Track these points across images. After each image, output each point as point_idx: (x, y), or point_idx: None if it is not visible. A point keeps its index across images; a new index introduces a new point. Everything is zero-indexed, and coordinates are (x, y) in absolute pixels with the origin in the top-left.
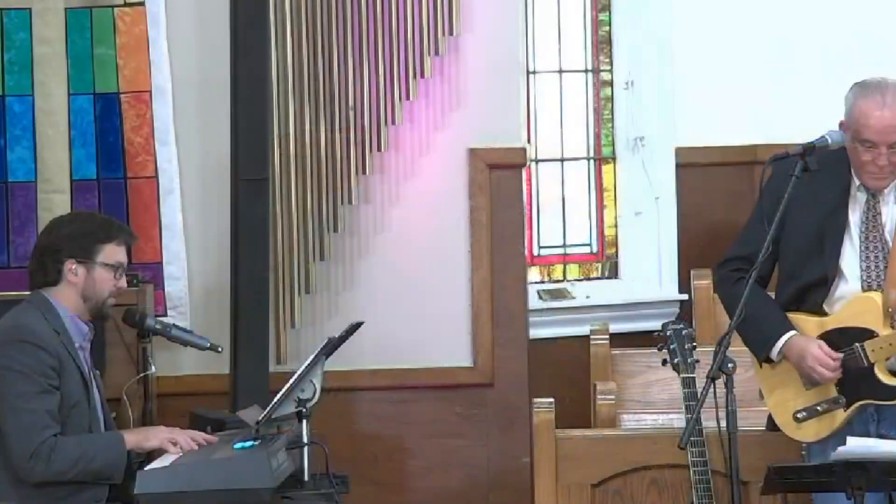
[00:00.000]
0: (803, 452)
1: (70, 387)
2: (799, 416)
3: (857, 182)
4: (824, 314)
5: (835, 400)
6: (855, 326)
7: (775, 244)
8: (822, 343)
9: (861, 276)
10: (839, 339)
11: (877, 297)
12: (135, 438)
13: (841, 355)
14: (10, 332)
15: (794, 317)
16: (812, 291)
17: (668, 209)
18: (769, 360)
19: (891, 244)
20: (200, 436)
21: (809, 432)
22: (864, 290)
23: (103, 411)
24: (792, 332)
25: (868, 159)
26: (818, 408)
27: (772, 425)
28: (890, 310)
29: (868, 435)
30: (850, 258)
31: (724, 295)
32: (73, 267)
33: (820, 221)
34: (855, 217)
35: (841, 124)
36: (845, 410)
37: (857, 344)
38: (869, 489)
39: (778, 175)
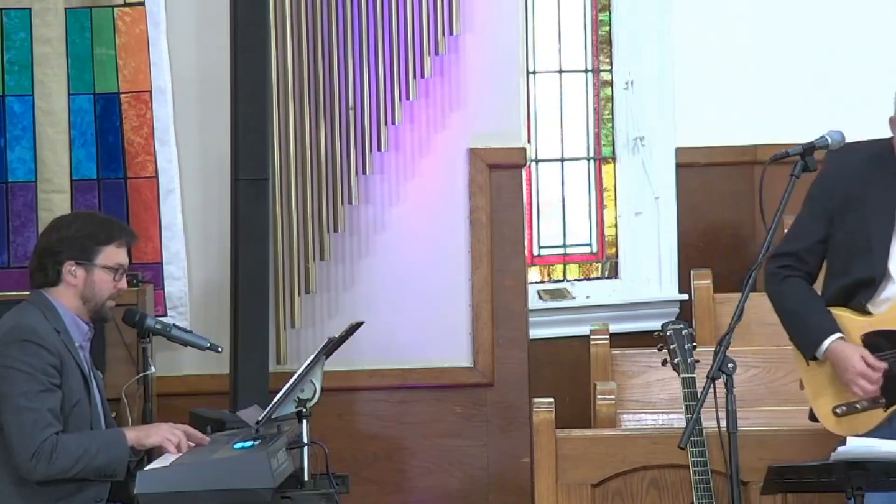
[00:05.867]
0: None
1: (71, 386)
2: (838, 410)
3: None
4: (869, 314)
5: (875, 400)
6: None
7: (823, 242)
8: (867, 354)
9: None
10: (883, 340)
11: None
12: (135, 435)
13: (885, 365)
14: (12, 331)
15: (840, 314)
16: (858, 291)
17: (668, 209)
18: (814, 358)
19: None
20: (196, 435)
21: (847, 427)
22: None
23: (104, 410)
24: (836, 336)
25: None
26: (858, 405)
27: (813, 415)
28: None
29: None
30: None
31: (770, 292)
32: (73, 269)
33: (869, 221)
34: None
35: (890, 120)
36: (885, 411)
37: None
38: (869, 489)
39: (832, 169)
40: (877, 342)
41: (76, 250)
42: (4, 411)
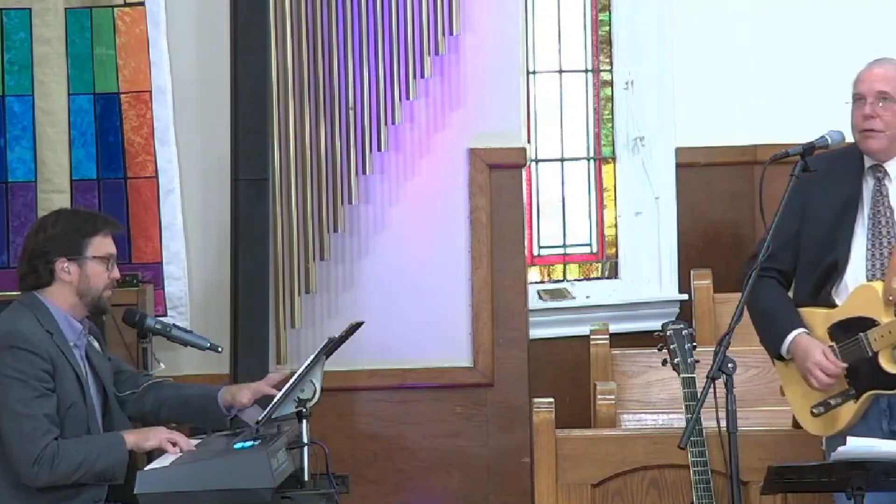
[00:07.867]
0: (823, 448)
1: (65, 388)
2: (815, 410)
3: (866, 166)
4: (835, 306)
5: (846, 392)
6: (858, 317)
7: (795, 238)
8: (828, 350)
9: (866, 265)
10: (844, 330)
11: (878, 286)
12: (134, 438)
13: (844, 366)
14: (2, 338)
15: (806, 311)
16: (826, 282)
17: (668, 209)
18: (782, 358)
19: None
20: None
21: (826, 426)
22: (868, 280)
23: (102, 404)
24: (799, 331)
25: (859, 115)
26: (831, 401)
27: (797, 422)
28: (891, 297)
29: (881, 430)
30: (860, 246)
31: (742, 293)
32: (65, 266)
33: (835, 212)
34: (865, 206)
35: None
36: (856, 402)
37: (860, 333)
38: (869, 489)
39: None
40: (839, 333)
41: (65, 247)
42: (2, 419)
